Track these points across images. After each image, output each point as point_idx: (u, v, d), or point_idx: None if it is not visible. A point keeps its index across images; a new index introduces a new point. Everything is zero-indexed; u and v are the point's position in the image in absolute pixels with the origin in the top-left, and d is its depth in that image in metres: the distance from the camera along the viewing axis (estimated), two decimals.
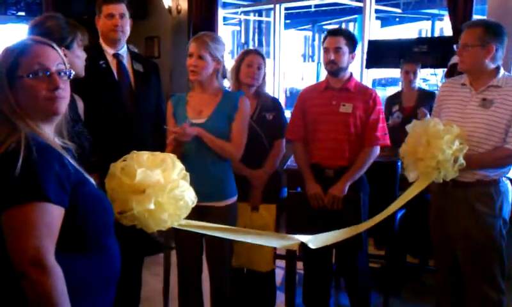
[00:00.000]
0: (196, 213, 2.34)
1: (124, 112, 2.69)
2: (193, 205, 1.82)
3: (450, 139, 2.25)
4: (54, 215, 1.27)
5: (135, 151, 1.73)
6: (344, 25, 14.56)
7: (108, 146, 2.24)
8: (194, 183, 2.37)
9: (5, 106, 1.34)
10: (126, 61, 2.77)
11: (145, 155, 1.72)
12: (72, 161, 1.36)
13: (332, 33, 2.79)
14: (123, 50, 2.77)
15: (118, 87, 2.71)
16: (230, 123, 2.47)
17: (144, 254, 2.92)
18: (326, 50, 2.74)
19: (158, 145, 2.32)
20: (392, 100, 4.28)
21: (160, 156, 1.75)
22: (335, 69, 2.74)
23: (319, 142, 2.78)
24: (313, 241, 2.28)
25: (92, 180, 1.45)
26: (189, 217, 2.16)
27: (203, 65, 2.43)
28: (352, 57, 2.79)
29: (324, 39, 2.79)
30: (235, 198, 2.57)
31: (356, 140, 2.74)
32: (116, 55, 2.74)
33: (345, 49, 2.72)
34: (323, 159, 2.78)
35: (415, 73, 4.13)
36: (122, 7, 2.68)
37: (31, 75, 1.35)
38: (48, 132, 1.39)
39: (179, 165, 1.78)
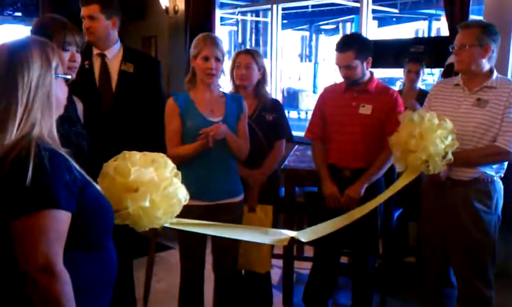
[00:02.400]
0: (219, 210, 2.41)
1: (100, 114, 2.58)
2: (185, 202, 1.83)
3: (443, 133, 2.26)
4: (63, 220, 1.28)
5: (126, 151, 1.74)
6: (340, 26, 14.59)
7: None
8: (216, 181, 2.44)
9: (28, 107, 1.31)
10: (114, 61, 2.68)
11: (137, 154, 1.74)
12: (75, 164, 1.37)
13: (339, 49, 2.65)
14: (111, 50, 2.69)
15: (97, 89, 2.64)
16: (238, 123, 2.52)
17: (134, 256, 2.87)
18: (338, 66, 2.68)
19: (152, 146, 2.23)
20: None
21: (151, 156, 1.77)
22: (350, 82, 2.71)
23: (337, 142, 2.76)
24: (304, 235, 2.27)
25: (93, 181, 1.45)
26: (207, 215, 2.23)
27: (219, 67, 2.45)
28: (368, 63, 2.69)
29: (335, 52, 2.69)
30: (243, 195, 2.62)
31: (375, 141, 2.68)
32: (100, 56, 2.68)
33: (357, 63, 2.63)
34: (340, 160, 2.75)
35: (417, 73, 4.11)
36: (91, 9, 2.60)
37: (66, 75, 1.51)
38: (54, 132, 1.39)
39: (171, 164, 1.79)
